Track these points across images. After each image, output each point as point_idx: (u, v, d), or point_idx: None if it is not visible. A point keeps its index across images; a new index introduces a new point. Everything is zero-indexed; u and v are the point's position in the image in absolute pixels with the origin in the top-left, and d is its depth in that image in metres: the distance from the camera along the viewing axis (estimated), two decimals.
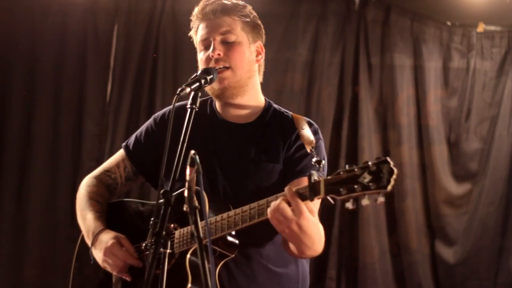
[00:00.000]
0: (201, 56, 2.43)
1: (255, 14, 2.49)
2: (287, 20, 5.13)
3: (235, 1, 2.45)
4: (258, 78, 2.50)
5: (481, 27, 5.14)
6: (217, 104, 2.51)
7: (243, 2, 2.48)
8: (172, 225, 1.90)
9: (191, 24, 2.48)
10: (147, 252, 2.31)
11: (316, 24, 5.15)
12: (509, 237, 4.98)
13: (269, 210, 2.06)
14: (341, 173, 1.96)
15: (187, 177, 1.80)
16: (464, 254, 5.01)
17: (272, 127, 2.46)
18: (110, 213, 2.56)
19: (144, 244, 2.31)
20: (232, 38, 2.39)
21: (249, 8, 2.47)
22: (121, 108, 5.05)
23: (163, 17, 5.09)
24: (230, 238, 2.24)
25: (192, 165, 1.81)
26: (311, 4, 5.15)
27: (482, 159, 5.08)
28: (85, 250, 2.52)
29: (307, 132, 2.39)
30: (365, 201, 1.91)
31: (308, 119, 2.47)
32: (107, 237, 2.38)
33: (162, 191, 1.89)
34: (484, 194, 5.02)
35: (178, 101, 2.10)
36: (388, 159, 1.91)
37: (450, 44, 5.15)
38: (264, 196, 2.31)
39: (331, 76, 5.13)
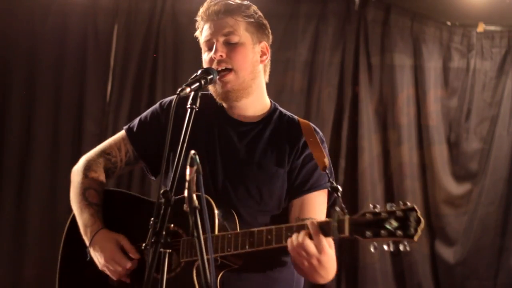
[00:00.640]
0: (204, 57, 2.41)
1: (260, 14, 2.46)
2: (287, 20, 5.13)
3: (239, 1, 2.44)
4: (263, 79, 2.48)
5: (481, 27, 5.14)
6: (222, 102, 2.48)
7: (248, 2, 2.46)
8: (172, 225, 1.88)
9: (196, 24, 2.46)
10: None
11: (316, 24, 5.15)
12: (509, 237, 4.98)
13: (290, 242, 2.07)
14: (367, 215, 1.99)
15: (187, 177, 1.80)
16: (464, 254, 5.01)
17: (278, 129, 2.44)
18: (107, 202, 2.51)
19: (144, 245, 2.29)
20: (235, 39, 2.37)
21: (253, 7, 2.45)
22: (121, 108, 5.05)
23: (163, 17, 5.09)
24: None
25: (192, 165, 1.80)
26: (311, 4, 5.15)
27: (482, 159, 5.08)
28: (76, 235, 2.47)
29: (318, 148, 2.36)
30: (388, 247, 1.97)
31: (313, 125, 2.46)
32: (107, 241, 2.35)
33: (162, 191, 1.89)
34: (484, 194, 5.02)
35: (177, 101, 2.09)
36: (415, 207, 1.95)
37: (450, 44, 5.15)
38: (265, 199, 2.32)
39: (331, 76, 5.13)
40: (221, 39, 2.36)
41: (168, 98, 2.56)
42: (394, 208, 1.96)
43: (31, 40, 5.03)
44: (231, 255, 2.21)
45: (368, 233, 1.97)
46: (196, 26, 2.47)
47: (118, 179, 4.88)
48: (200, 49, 2.48)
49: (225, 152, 2.39)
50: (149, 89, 5.06)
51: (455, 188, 5.10)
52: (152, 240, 1.86)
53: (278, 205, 2.38)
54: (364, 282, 5.01)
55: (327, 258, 2.08)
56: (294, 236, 2.07)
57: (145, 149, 2.51)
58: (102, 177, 2.52)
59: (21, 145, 5.02)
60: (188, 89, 2.11)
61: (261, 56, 2.44)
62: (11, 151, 5.01)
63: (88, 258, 2.41)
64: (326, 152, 2.40)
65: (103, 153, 2.54)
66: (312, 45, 5.14)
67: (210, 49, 2.39)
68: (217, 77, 2.30)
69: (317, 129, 2.46)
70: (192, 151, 1.82)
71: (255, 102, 2.45)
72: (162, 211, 1.87)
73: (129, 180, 4.98)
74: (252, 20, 2.41)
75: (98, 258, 2.37)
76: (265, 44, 2.46)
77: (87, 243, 2.41)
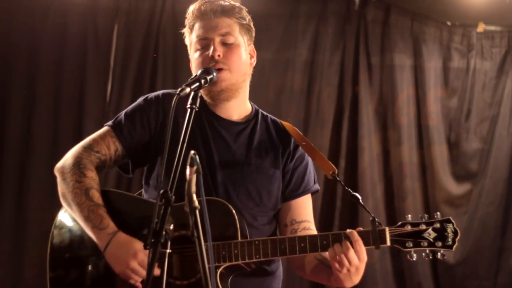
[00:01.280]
0: (196, 55, 2.40)
1: (250, 17, 2.47)
2: (287, 20, 5.13)
3: (232, 3, 2.44)
4: (248, 81, 2.49)
5: (481, 27, 5.14)
6: (209, 101, 2.45)
7: (239, 4, 2.47)
8: (171, 226, 1.88)
9: (185, 21, 2.46)
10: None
11: (316, 24, 5.15)
12: (509, 237, 4.98)
13: (332, 251, 2.17)
14: (407, 226, 2.18)
15: (187, 177, 1.80)
16: (464, 254, 5.01)
17: (267, 130, 2.46)
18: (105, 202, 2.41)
19: (144, 244, 2.27)
20: (231, 39, 2.37)
21: (245, 10, 2.46)
22: (121, 108, 4.99)
23: (163, 17, 5.09)
24: None
25: (192, 165, 1.80)
26: (311, 4, 5.15)
27: (482, 159, 5.09)
28: (65, 235, 2.41)
29: (317, 154, 2.43)
30: (428, 256, 2.18)
31: (296, 128, 2.49)
32: (130, 244, 2.26)
33: (162, 191, 1.88)
34: (484, 194, 5.02)
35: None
36: (451, 219, 2.17)
37: (450, 44, 5.15)
38: (264, 200, 2.35)
39: (331, 76, 5.13)
40: (218, 38, 2.37)
41: (154, 94, 2.50)
42: (432, 219, 2.16)
43: (31, 40, 5.03)
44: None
45: (409, 244, 2.17)
46: (185, 23, 2.46)
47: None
48: None
49: (222, 154, 2.39)
50: (149, 89, 5.05)
51: (455, 188, 5.10)
52: (152, 240, 1.85)
53: (275, 205, 2.42)
54: (364, 282, 4.97)
55: (363, 267, 2.20)
56: (337, 245, 2.17)
57: (133, 148, 2.44)
58: (97, 176, 2.44)
59: (21, 145, 5.01)
60: (188, 89, 2.10)
61: (250, 59, 2.46)
62: (11, 151, 5.00)
63: (102, 261, 2.31)
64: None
65: (92, 150, 2.44)
66: (312, 45, 5.14)
67: (203, 47, 2.38)
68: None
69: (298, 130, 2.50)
70: (192, 151, 1.82)
71: (241, 104, 2.47)
72: (162, 212, 1.87)
73: (128, 180, 4.97)
74: (244, 22, 2.43)
75: (119, 261, 2.26)
76: (252, 47, 2.48)
77: (102, 245, 2.30)
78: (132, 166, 2.50)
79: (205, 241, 1.77)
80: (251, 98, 2.56)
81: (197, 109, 2.10)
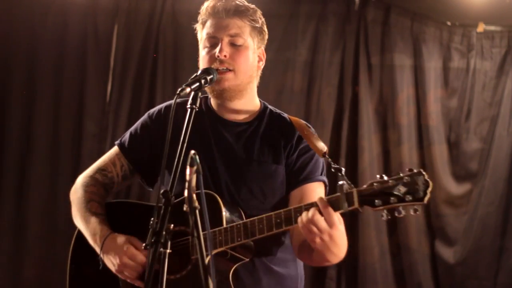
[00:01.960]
0: (204, 53, 2.40)
1: (263, 20, 2.47)
2: (287, 20, 5.13)
3: (246, 4, 2.43)
4: (256, 83, 2.49)
5: (481, 27, 5.14)
6: (213, 102, 2.49)
7: (254, 6, 2.46)
8: (172, 226, 1.88)
9: (199, 17, 2.44)
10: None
11: (316, 24, 5.15)
12: (509, 237, 4.98)
13: (300, 220, 2.08)
14: (375, 184, 2.01)
15: (187, 177, 1.80)
16: (464, 254, 5.01)
17: (271, 127, 2.46)
18: (110, 214, 2.50)
19: (144, 244, 2.28)
20: (240, 41, 2.37)
21: (259, 13, 2.45)
22: (121, 108, 5.05)
23: (163, 17, 5.09)
24: (248, 242, 2.23)
25: (192, 165, 1.80)
26: (311, 4, 5.15)
27: (482, 159, 5.08)
28: (82, 251, 2.46)
29: (313, 137, 2.39)
30: (400, 213, 1.98)
31: (304, 122, 2.48)
32: (120, 241, 2.32)
33: (162, 191, 1.88)
34: (484, 194, 5.02)
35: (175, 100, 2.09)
36: (422, 171, 1.99)
37: (450, 44, 5.15)
38: (268, 197, 2.34)
39: (331, 76, 5.13)
40: (227, 39, 2.36)
41: (156, 108, 2.56)
42: (402, 175, 1.99)
43: (31, 40, 5.03)
44: (240, 248, 2.22)
45: (377, 202, 2.00)
46: (198, 18, 2.45)
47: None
48: (199, 49, 2.47)
49: (223, 154, 2.39)
50: (149, 89, 5.06)
51: (455, 188, 5.10)
52: (152, 240, 1.85)
53: (282, 202, 2.39)
54: (364, 282, 5.01)
55: (338, 233, 2.09)
56: (304, 213, 2.09)
57: (139, 161, 2.51)
58: (101, 191, 2.52)
59: (21, 145, 5.02)
60: (188, 89, 2.11)
61: (258, 62, 2.46)
62: (11, 151, 5.01)
63: (101, 267, 2.37)
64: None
65: (99, 169, 2.54)
66: (312, 45, 5.14)
67: (212, 46, 2.38)
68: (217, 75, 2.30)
69: (309, 124, 2.48)
70: (192, 151, 1.82)
71: (247, 104, 2.46)
72: (162, 211, 1.87)
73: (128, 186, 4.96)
74: (257, 25, 2.42)
75: (112, 261, 2.33)
76: (262, 50, 2.48)
77: (98, 250, 2.37)
78: (146, 181, 2.57)
79: (203, 230, 1.79)
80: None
81: (197, 109, 2.11)
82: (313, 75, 5.13)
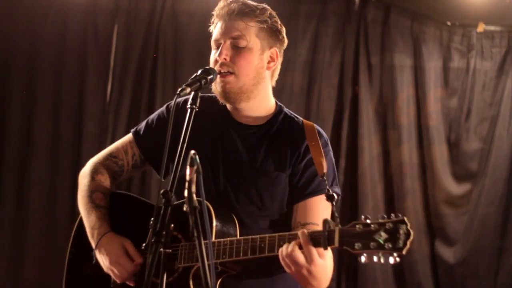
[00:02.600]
0: (211, 55, 2.40)
1: (276, 18, 2.44)
2: (287, 20, 5.08)
3: (255, 4, 2.41)
4: (269, 84, 2.46)
5: (481, 27, 5.14)
6: (227, 106, 2.46)
7: (265, 5, 2.43)
8: (172, 226, 1.88)
9: (212, 19, 2.44)
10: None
11: (316, 24, 5.15)
12: (509, 237, 4.98)
13: (280, 252, 2.07)
14: (357, 226, 1.98)
15: (187, 177, 1.80)
16: (464, 254, 5.01)
17: (281, 132, 2.42)
18: (114, 204, 2.50)
19: (144, 245, 2.28)
20: (242, 43, 2.34)
21: (269, 12, 2.42)
22: (121, 108, 5.05)
23: (163, 17, 5.09)
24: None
25: (192, 165, 1.80)
26: (311, 4, 5.15)
27: (482, 159, 5.08)
28: (84, 237, 2.47)
29: (318, 152, 2.34)
30: (377, 258, 1.94)
31: (318, 128, 2.43)
32: (113, 244, 2.35)
33: (162, 191, 1.88)
34: (484, 194, 5.02)
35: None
36: (405, 219, 1.95)
37: (450, 44, 5.15)
38: (266, 204, 2.33)
39: (331, 76, 5.13)
40: (228, 41, 2.34)
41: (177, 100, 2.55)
42: (384, 220, 1.95)
43: (31, 40, 5.03)
44: (230, 262, 2.21)
45: (357, 245, 1.96)
46: (212, 21, 2.44)
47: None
48: (199, 49, 2.48)
49: (227, 155, 2.38)
50: (149, 89, 5.06)
51: (455, 188, 5.09)
52: (152, 240, 1.85)
53: (279, 209, 2.37)
54: (364, 282, 5.01)
55: (318, 269, 2.05)
56: (285, 246, 2.07)
57: (152, 152, 2.50)
58: (109, 180, 2.52)
59: (21, 145, 5.02)
60: (188, 89, 2.10)
61: (268, 63, 2.42)
62: (11, 151, 5.01)
63: (94, 261, 2.41)
64: (330, 155, 2.38)
65: (110, 156, 2.54)
66: (312, 45, 5.14)
67: (216, 49, 2.37)
68: (218, 76, 2.29)
69: (322, 131, 2.43)
70: (192, 151, 1.82)
71: (258, 106, 2.42)
72: (162, 211, 1.87)
73: (129, 181, 4.98)
74: (265, 25, 2.38)
75: (103, 260, 2.37)
76: (275, 50, 2.43)
77: (93, 245, 2.41)
78: (156, 171, 2.55)
79: (204, 239, 1.78)
80: None
81: (197, 109, 2.10)
82: (313, 75, 5.13)
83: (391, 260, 1.93)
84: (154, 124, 2.52)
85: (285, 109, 2.50)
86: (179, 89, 2.08)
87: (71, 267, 2.58)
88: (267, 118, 2.44)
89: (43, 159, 5.01)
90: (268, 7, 2.44)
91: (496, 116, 5.07)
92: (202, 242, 1.77)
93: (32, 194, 4.97)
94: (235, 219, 2.31)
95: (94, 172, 2.51)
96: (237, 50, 2.34)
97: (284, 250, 2.06)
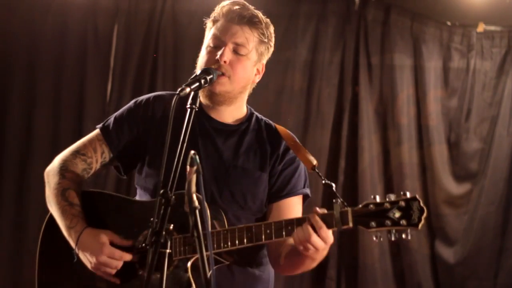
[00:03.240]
0: (205, 52, 2.40)
1: (273, 34, 2.48)
2: (287, 20, 5.13)
3: (261, 16, 2.43)
4: (247, 94, 2.49)
5: (481, 27, 5.14)
6: (202, 100, 2.44)
7: (268, 20, 2.45)
8: (171, 226, 1.88)
9: (213, 13, 2.44)
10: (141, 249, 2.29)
11: (316, 24, 5.15)
12: (509, 237, 4.98)
13: (296, 237, 2.11)
14: (370, 205, 2.07)
15: (187, 177, 1.80)
16: (464, 254, 5.01)
17: (258, 133, 2.46)
18: (86, 203, 2.44)
19: (144, 245, 2.27)
20: (243, 51, 2.36)
21: (272, 28, 2.46)
22: (121, 108, 5.04)
23: (163, 17, 5.09)
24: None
25: (192, 165, 1.81)
26: (311, 4, 5.15)
27: (482, 159, 5.08)
28: (54, 238, 2.43)
29: (300, 149, 2.40)
30: (393, 236, 2.03)
31: (290, 132, 2.48)
32: (96, 238, 2.28)
33: (162, 191, 1.88)
34: (484, 194, 5.02)
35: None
36: (417, 196, 2.04)
37: (450, 44, 5.15)
38: (249, 203, 2.36)
39: (331, 76, 5.13)
40: (231, 45, 2.35)
41: (144, 96, 2.53)
42: (397, 198, 2.04)
43: (31, 40, 5.03)
44: (225, 252, 2.22)
45: (372, 223, 2.05)
46: (212, 15, 2.44)
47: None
48: (199, 49, 2.47)
49: (209, 154, 2.39)
50: (149, 89, 5.05)
51: (455, 188, 5.10)
52: (152, 240, 1.85)
53: (260, 208, 2.42)
54: (364, 282, 5.01)
55: (328, 247, 2.16)
56: (299, 230, 2.11)
57: (121, 149, 2.47)
58: (79, 177, 2.47)
59: (21, 145, 5.02)
60: (188, 89, 2.11)
61: (255, 75, 2.46)
62: (11, 151, 5.01)
63: (76, 259, 2.35)
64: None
65: (78, 153, 2.49)
66: (312, 45, 5.14)
67: (215, 47, 2.37)
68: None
69: (293, 134, 2.49)
70: (192, 151, 1.82)
71: (233, 111, 2.46)
72: (157, 210, 1.87)
73: (105, 177, 4.94)
74: (265, 40, 2.42)
75: (88, 258, 2.31)
76: (263, 64, 2.48)
77: (73, 244, 2.34)
78: (123, 168, 2.52)
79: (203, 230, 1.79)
80: (252, 98, 2.56)
81: (197, 109, 2.11)
82: (313, 75, 5.13)
83: (404, 236, 2.02)
84: (124, 118, 2.49)
85: (255, 113, 2.54)
86: (179, 89, 2.09)
87: (44, 269, 2.53)
88: (241, 120, 2.47)
89: (43, 159, 5.00)
90: (271, 24, 2.47)
91: (496, 116, 5.07)
92: (202, 242, 1.77)
93: (32, 194, 4.97)
94: (223, 213, 2.32)
95: (64, 170, 2.46)
96: (237, 56, 2.36)
97: (300, 235, 2.11)
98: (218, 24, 2.40)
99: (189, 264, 2.22)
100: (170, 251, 1.88)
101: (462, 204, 5.09)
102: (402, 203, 2.03)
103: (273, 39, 2.48)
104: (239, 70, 2.36)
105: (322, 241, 2.10)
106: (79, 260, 2.35)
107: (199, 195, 1.83)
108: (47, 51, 5.04)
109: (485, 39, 5.13)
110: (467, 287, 5.03)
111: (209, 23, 2.46)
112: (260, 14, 2.43)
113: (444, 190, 5.07)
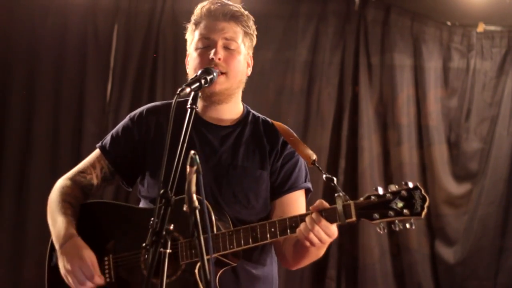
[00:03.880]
0: (196, 54, 2.41)
1: (255, 27, 2.49)
2: (287, 20, 5.13)
3: (242, 10, 2.45)
4: (242, 88, 2.49)
5: (481, 27, 5.14)
6: (199, 105, 2.43)
7: (247, 12, 2.47)
8: (172, 226, 1.88)
9: (192, 17, 2.45)
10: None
11: (316, 24, 5.15)
12: (509, 237, 4.98)
13: (301, 233, 2.13)
14: (372, 197, 2.07)
15: (187, 177, 1.80)
16: (464, 254, 5.01)
17: (255, 131, 2.46)
18: (89, 215, 2.48)
19: (144, 244, 2.27)
20: (233, 45, 2.37)
21: (252, 20, 2.47)
22: (121, 108, 5.05)
23: (163, 17, 5.09)
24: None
25: (192, 165, 1.80)
26: (311, 4, 5.15)
27: (482, 159, 5.09)
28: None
29: (299, 144, 2.41)
30: (396, 226, 2.04)
31: (288, 127, 2.49)
32: (79, 249, 2.30)
33: (162, 191, 1.88)
34: (484, 194, 5.02)
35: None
36: (419, 185, 2.07)
37: (450, 44, 5.15)
38: (252, 202, 2.36)
39: (331, 76, 5.13)
40: (221, 42, 2.36)
41: (137, 110, 2.57)
42: (398, 189, 2.06)
43: (31, 40, 5.03)
44: (231, 254, 2.23)
45: (375, 215, 2.05)
46: (191, 19, 2.45)
47: None
48: None
49: (208, 157, 2.39)
50: (149, 89, 5.06)
51: (455, 188, 5.10)
52: (153, 240, 1.85)
53: (264, 207, 2.41)
54: (364, 282, 5.01)
55: (331, 240, 2.17)
56: (303, 226, 2.12)
57: (120, 163, 2.51)
58: (77, 192, 2.50)
59: (21, 145, 5.02)
60: (188, 89, 2.11)
61: (246, 68, 2.47)
62: (11, 151, 5.01)
63: (53, 264, 2.37)
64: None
65: (77, 171, 2.55)
66: (312, 45, 5.14)
67: (205, 47, 2.38)
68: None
69: (291, 130, 2.49)
70: (192, 151, 1.82)
71: (231, 108, 2.46)
72: (162, 212, 1.87)
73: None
74: (250, 32, 2.44)
75: (64, 263, 2.31)
76: (250, 56, 2.49)
77: (57, 247, 2.36)
78: (126, 182, 2.56)
79: (204, 233, 1.79)
80: (252, 98, 2.56)
81: (197, 109, 2.11)
82: (313, 75, 5.13)
83: (408, 225, 2.03)
84: (120, 135, 2.53)
85: (252, 110, 2.54)
86: (179, 89, 2.09)
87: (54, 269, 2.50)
88: (238, 119, 2.47)
89: (43, 159, 5.01)
90: (250, 15, 2.47)
91: (496, 116, 5.07)
92: (202, 242, 1.77)
93: (32, 194, 4.97)
94: (227, 215, 2.33)
95: (62, 187, 2.50)
96: (229, 51, 2.37)
97: (304, 230, 2.12)
98: (202, 25, 2.42)
99: (196, 267, 2.22)
100: (170, 251, 1.87)
101: (462, 204, 5.09)
102: (404, 193, 2.04)
103: (255, 30, 2.49)
104: (234, 65, 2.37)
105: (326, 235, 2.12)
106: (56, 265, 2.37)
107: (200, 197, 1.83)
108: (47, 51, 5.04)
109: (485, 39, 5.13)
110: (467, 287, 5.03)
111: (190, 26, 2.48)
112: (240, 8, 2.45)
113: (444, 190, 5.07)
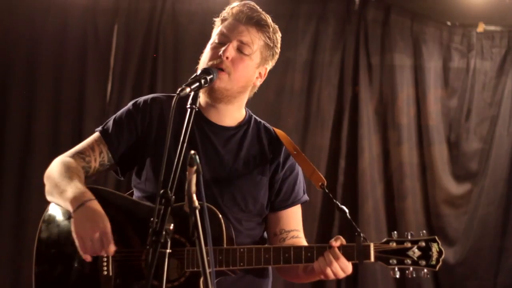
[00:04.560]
0: (209, 47, 2.41)
1: (279, 40, 2.49)
2: (287, 20, 5.13)
3: (270, 21, 2.44)
4: (247, 95, 2.49)
5: (481, 27, 5.14)
6: (201, 101, 2.44)
7: (277, 27, 2.47)
8: (171, 227, 1.87)
9: (223, 12, 2.45)
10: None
11: (316, 24, 5.15)
12: (509, 237, 4.98)
13: (319, 266, 2.20)
14: (391, 243, 2.19)
15: (187, 177, 1.80)
16: (464, 254, 5.01)
17: (257, 137, 2.47)
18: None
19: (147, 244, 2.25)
20: (247, 50, 2.37)
21: (279, 34, 2.47)
22: (121, 108, 5.02)
23: (163, 17, 5.09)
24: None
25: (191, 165, 1.80)
26: (311, 4, 5.15)
27: (482, 159, 5.09)
28: (49, 246, 2.40)
29: (303, 159, 2.44)
30: (410, 274, 2.18)
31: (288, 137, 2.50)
32: (104, 218, 2.21)
33: (162, 191, 1.88)
34: (484, 194, 5.02)
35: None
36: (437, 238, 2.18)
37: (450, 44, 5.15)
38: (250, 206, 2.38)
39: (331, 76, 5.13)
40: (236, 43, 2.36)
41: (142, 98, 2.52)
42: (417, 238, 2.17)
43: (31, 40, 5.03)
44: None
45: (392, 261, 2.18)
46: (221, 13, 2.45)
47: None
48: (199, 49, 2.47)
49: (210, 158, 2.39)
50: (149, 89, 5.06)
51: (455, 188, 5.10)
52: (152, 240, 1.85)
53: (260, 212, 2.43)
54: (364, 282, 5.01)
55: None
56: (321, 260, 2.20)
57: (120, 151, 2.46)
58: (80, 171, 2.41)
59: (21, 145, 5.01)
60: (188, 89, 2.10)
61: (257, 78, 2.46)
62: (11, 151, 5.00)
63: (67, 218, 2.32)
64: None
65: (76, 152, 2.44)
66: (312, 45, 5.14)
67: (220, 43, 2.38)
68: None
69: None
70: (192, 151, 1.82)
71: (233, 111, 2.45)
72: (162, 212, 1.87)
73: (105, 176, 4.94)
74: (271, 44, 2.44)
75: (85, 225, 2.22)
76: (266, 69, 2.49)
77: (77, 204, 2.25)
78: (120, 169, 2.51)
79: (205, 244, 1.79)
80: (252, 98, 2.56)
81: (197, 109, 2.11)
82: (313, 75, 5.13)
83: (422, 274, 2.17)
84: (123, 120, 2.47)
85: (254, 115, 2.54)
86: (179, 89, 2.08)
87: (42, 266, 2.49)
88: (240, 123, 2.47)
89: (43, 159, 5.00)
90: (278, 29, 2.48)
91: (496, 116, 5.08)
92: (202, 243, 1.77)
93: (32, 194, 4.97)
94: (231, 224, 2.34)
95: (65, 162, 2.40)
96: (240, 55, 2.37)
97: (321, 264, 2.20)
98: (226, 22, 2.42)
99: (201, 280, 2.21)
100: (170, 251, 1.87)
101: (462, 204, 5.09)
102: (423, 244, 2.16)
103: (279, 45, 2.49)
104: (240, 69, 2.36)
105: (342, 271, 2.20)
106: (70, 221, 2.29)
107: (211, 207, 1.83)
108: (47, 51, 5.04)
109: (485, 39, 5.13)
110: (467, 287, 5.03)
111: (217, 22, 2.47)
112: (269, 19, 2.44)
113: (444, 190, 5.07)
